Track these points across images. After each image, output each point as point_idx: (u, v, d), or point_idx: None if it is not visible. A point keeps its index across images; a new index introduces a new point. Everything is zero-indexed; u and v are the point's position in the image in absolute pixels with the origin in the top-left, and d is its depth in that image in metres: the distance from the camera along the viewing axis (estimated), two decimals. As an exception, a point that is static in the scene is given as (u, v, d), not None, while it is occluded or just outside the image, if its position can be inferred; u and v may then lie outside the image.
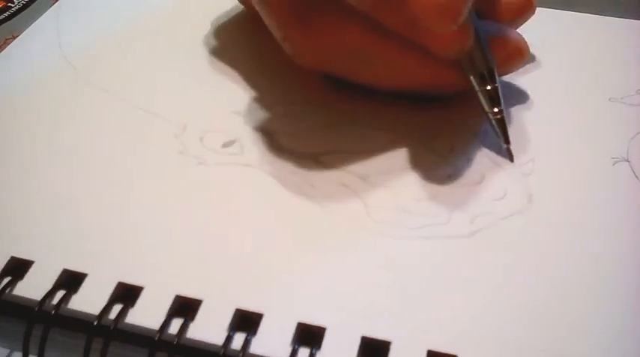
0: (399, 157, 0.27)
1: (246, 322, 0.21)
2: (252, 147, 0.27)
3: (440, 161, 0.27)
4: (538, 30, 0.32)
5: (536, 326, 0.22)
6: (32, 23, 0.34)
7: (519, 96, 0.30)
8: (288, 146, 0.27)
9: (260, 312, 0.22)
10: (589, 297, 0.22)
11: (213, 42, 0.33)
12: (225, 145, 0.28)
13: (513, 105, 0.29)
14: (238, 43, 0.33)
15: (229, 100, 0.30)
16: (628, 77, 0.30)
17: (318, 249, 0.24)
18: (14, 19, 0.35)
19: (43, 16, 0.35)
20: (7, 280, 0.22)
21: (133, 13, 0.35)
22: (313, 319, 0.21)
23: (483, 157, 0.27)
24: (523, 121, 0.28)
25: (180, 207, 0.25)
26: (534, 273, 0.23)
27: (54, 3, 0.36)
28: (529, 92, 0.30)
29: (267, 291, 0.22)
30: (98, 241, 0.24)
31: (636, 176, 0.26)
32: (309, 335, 0.21)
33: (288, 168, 0.27)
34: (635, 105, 0.29)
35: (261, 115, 0.29)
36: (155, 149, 0.27)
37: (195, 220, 0.25)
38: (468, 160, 0.27)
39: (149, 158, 0.27)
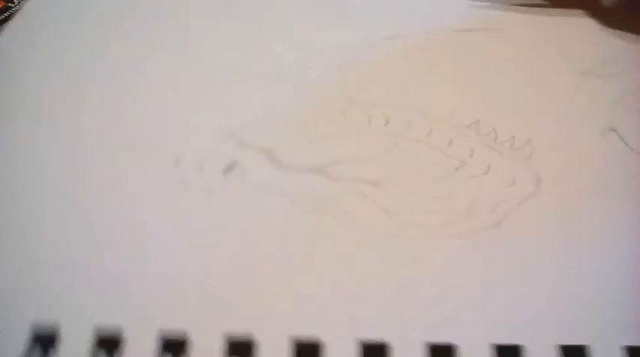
0: (404, 158, 0.27)
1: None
2: (255, 168, 0.27)
3: (442, 156, 0.27)
4: (492, 11, 0.33)
5: (574, 306, 0.23)
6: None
7: (490, 81, 0.30)
8: (292, 162, 0.27)
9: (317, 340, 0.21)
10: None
11: (191, 65, 0.31)
12: (227, 170, 0.27)
13: (492, 93, 0.30)
14: (216, 63, 0.32)
15: (217, 122, 0.29)
16: (592, 50, 0.32)
17: (349, 265, 0.24)
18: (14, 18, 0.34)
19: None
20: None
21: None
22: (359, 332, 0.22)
23: (482, 146, 0.28)
24: (506, 105, 0.29)
25: (192, 241, 0.24)
26: (563, 252, 0.24)
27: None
28: (500, 75, 0.31)
29: (318, 312, 0.22)
30: (108, 288, 0.23)
31: (625, 143, 0.27)
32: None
33: (298, 185, 0.26)
34: (605, 76, 0.30)
35: (253, 133, 0.28)
36: (154, 185, 0.26)
37: (213, 253, 0.24)
38: (469, 151, 0.27)
39: (151, 197, 0.26)
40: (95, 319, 0.22)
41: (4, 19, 0.34)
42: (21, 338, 0.21)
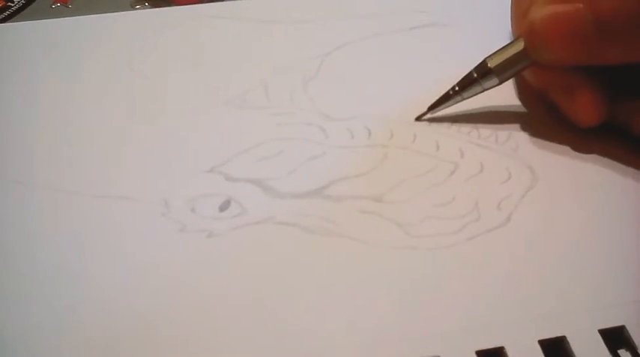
0: (397, 168, 0.27)
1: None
2: (252, 202, 0.26)
3: (434, 162, 0.27)
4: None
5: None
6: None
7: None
8: (286, 190, 0.26)
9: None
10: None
11: (155, 109, 0.30)
12: (222, 208, 0.26)
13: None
14: (180, 99, 0.30)
15: (192, 158, 0.27)
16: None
17: (375, 286, 0.23)
18: (14, 18, 0.35)
19: None
20: None
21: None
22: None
23: (469, 144, 0.28)
24: (486, 104, 0.29)
25: (205, 286, 0.23)
26: (580, 233, 0.25)
27: (53, 3, 0.35)
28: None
29: (360, 338, 0.22)
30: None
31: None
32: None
33: (301, 212, 0.25)
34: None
35: (235, 166, 0.27)
36: (150, 239, 0.25)
37: (230, 295, 0.23)
38: (459, 152, 0.27)
39: (150, 251, 0.24)
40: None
41: (3, 18, 0.34)
42: None
